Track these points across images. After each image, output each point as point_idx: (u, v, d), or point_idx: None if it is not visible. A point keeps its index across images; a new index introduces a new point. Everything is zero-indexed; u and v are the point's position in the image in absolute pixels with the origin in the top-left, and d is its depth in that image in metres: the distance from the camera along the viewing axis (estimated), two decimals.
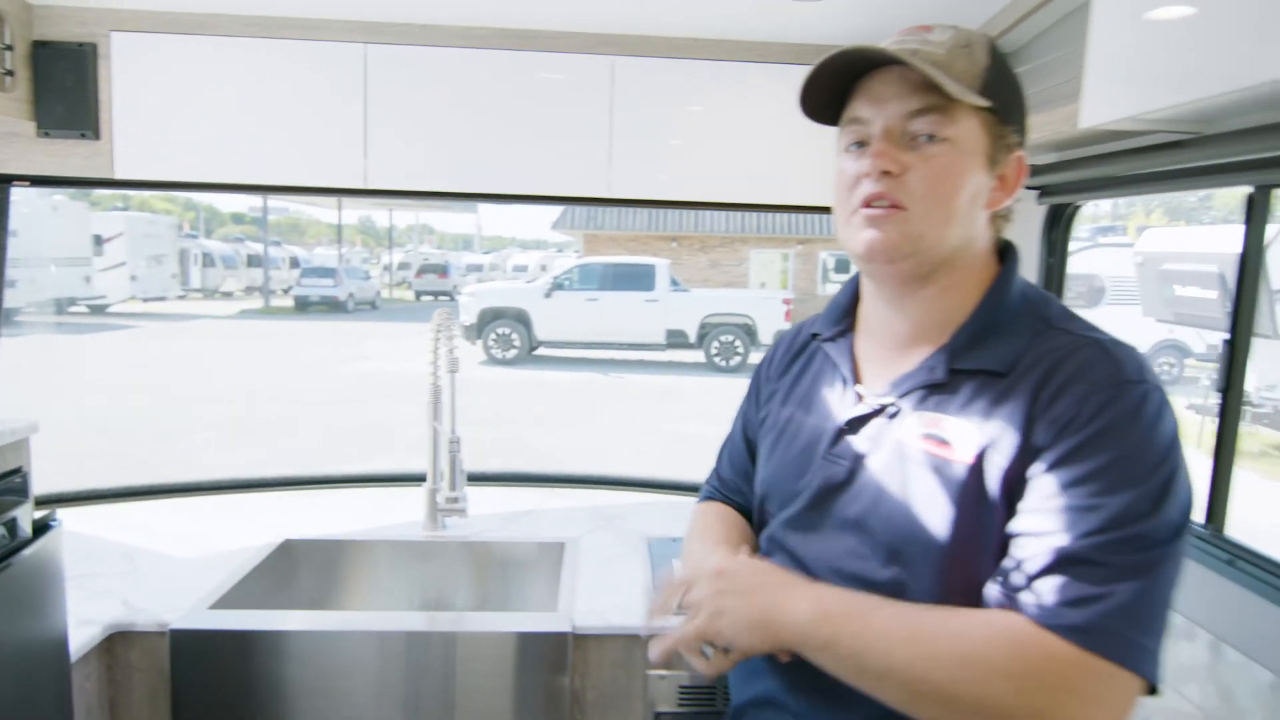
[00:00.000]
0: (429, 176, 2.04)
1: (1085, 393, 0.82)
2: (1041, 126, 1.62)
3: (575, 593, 1.74)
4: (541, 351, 14.36)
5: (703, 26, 1.95)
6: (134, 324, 17.98)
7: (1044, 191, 1.83)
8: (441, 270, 27.79)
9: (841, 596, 0.88)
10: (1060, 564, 0.78)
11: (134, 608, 1.59)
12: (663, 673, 1.63)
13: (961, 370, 0.90)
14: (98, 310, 20.01)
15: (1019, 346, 0.89)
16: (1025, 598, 0.80)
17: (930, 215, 0.89)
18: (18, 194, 2.01)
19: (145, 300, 22.06)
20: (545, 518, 2.22)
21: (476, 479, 2.46)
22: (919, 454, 0.89)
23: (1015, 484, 0.84)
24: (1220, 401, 1.40)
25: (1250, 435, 9.13)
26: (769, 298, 15.39)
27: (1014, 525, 0.83)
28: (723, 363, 13.96)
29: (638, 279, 14.42)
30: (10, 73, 1.85)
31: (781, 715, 0.98)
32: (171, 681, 1.54)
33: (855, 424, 0.97)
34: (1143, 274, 10.49)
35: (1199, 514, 1.43)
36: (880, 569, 0.90)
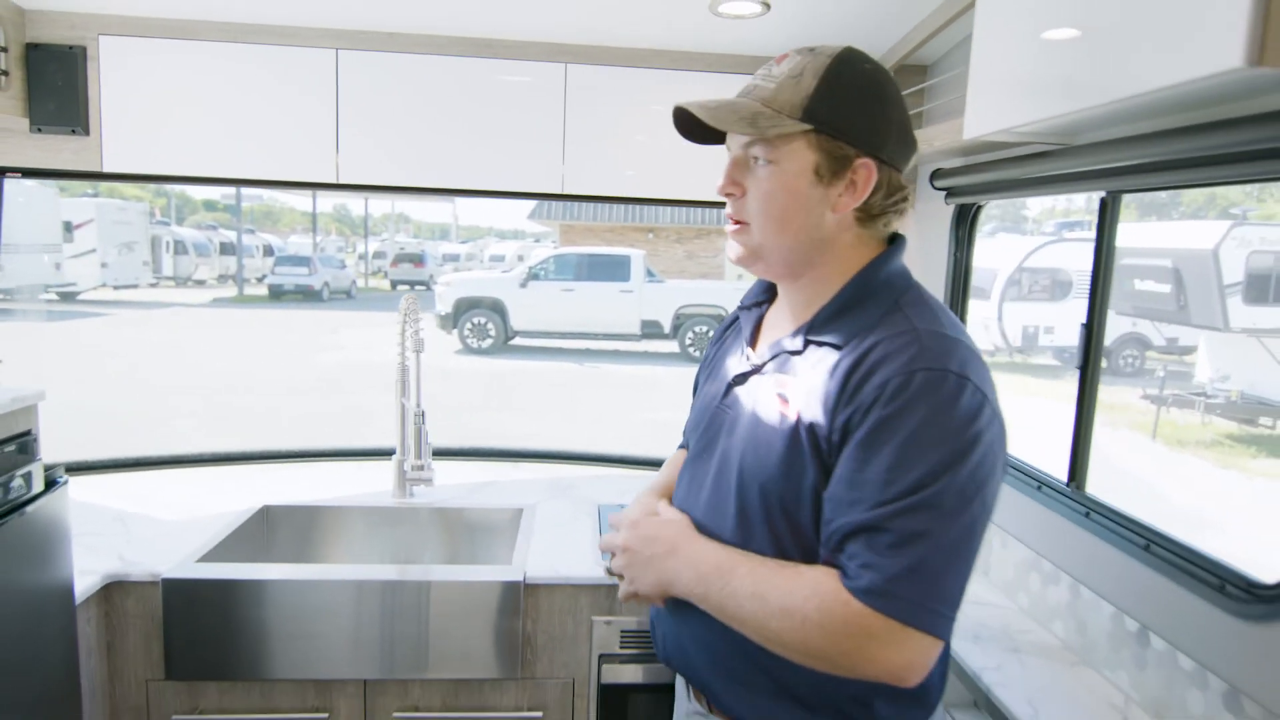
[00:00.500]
0: (396, 172, 2.21)
1: (886, 378, 0.96)
2: (942, 135, 1.83)
3: (529, 549, 1.93)
4: (517, 341, 14.48)
5: (648, 38, 2.13)
6: (106, 312, 17.85)
7: (950, 192, 2.03)
8: (417, 259, 27.70)
9: (715, 557, 1.07)
10: (856, 531, 0.94)
11: (129, 561, 1.77)
12: (608, 618, 1.83)
13: (815, 340, 1.08)
14: (68, 298, 19.83)
15: (864, 324, 1.04)
16: (838, 560, 0.97)
17: (765, 228, 1.07)
18: None
19: (116, 288, 21.84)
20: (506, 488, 2.41)
21: (444, 454, 2.64)
22: (771, 407, 1.08)
23: (823, 442, 1.00)
24: (1080, 378, 1.62)
25: (1205, 425, 9.47)
26: (743, 289, 15.49)
27: (827, 494, 1.00)
28: (697, 353, 14.15)
29: (613, 270, 14.56)
30: (5, 73, 2.00)
31: (674, 625, 1.19)
32: (164, 626, 1.72)
33: (740, 379, 1.16)
34: None
35: (1063, 474, 1.65)
36: (731, 500, 1.10)
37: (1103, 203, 1.56)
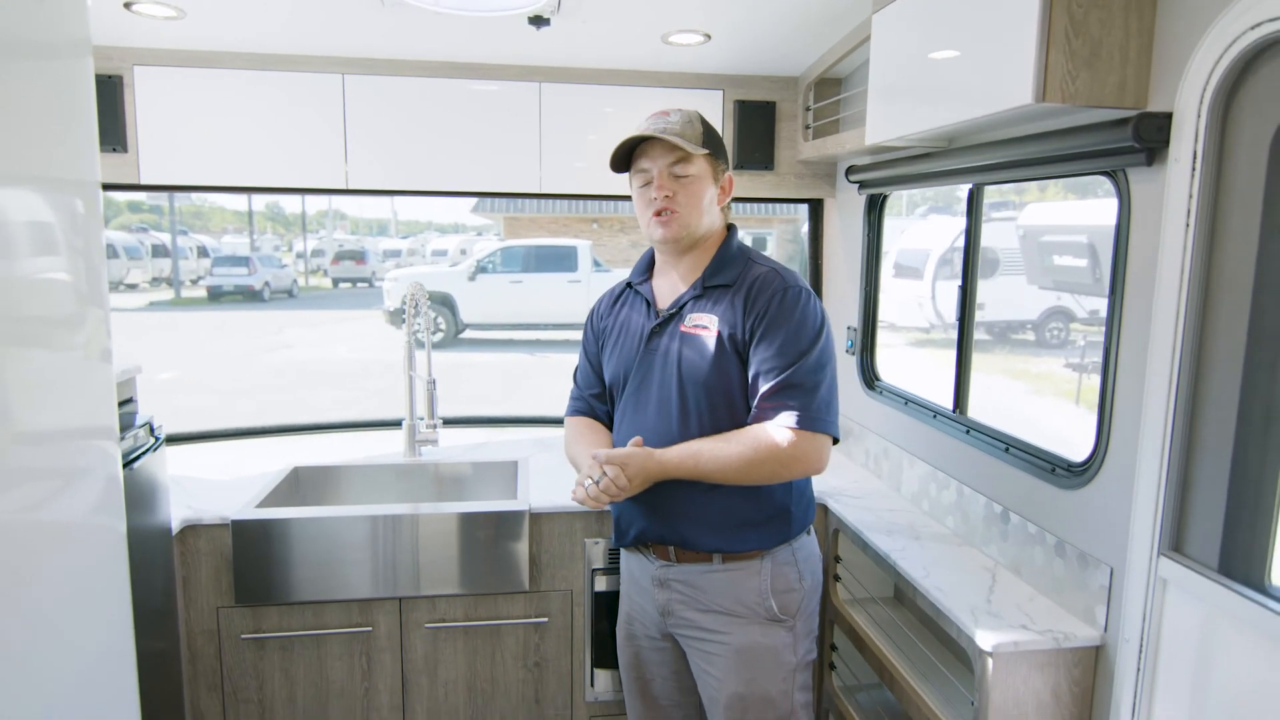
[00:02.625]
0: (397, 177, 2.58)
1: (770, 296, 1.58)
2: (854, 139, 2.28)
3: (530, 489, 2.34)
4: (467, 334, 14.70)
5: (610, 61, 2.54)
6: None
7: (862, 185, 2.49)
8: (359, 256, 27.45)
9: (681, 461, 1.56)
10: (782, 387, 1.53)
11: (198, 510, 2.12)
12: (597, 539, 2.25)
13: (710, 286, 1.65)
14: None
15: (737, 271, 1.66)
16: (768, 410, 1.53)
17: (690, 215, 1.63)
18: None
19: None
20: (500, 446, 2.80)
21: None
22: (693, 334, 1.63)
23: (741, 344, 1.58)
24: (959, 328, 2.09)
25: None
26: None
27: (752, 371, 1.56)
28: None
29: (561, 260, 14.86)
30: None
31: (649, 510, 1.67)
32: (233, 559, 2.08)
33: (658, 328, 1.68)
34: (1025, 245, 11.50)
35: (949, 402, 2.12)
36: (675, 402, 1.63)
37: (970, 193, 2.03)
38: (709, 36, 2.32)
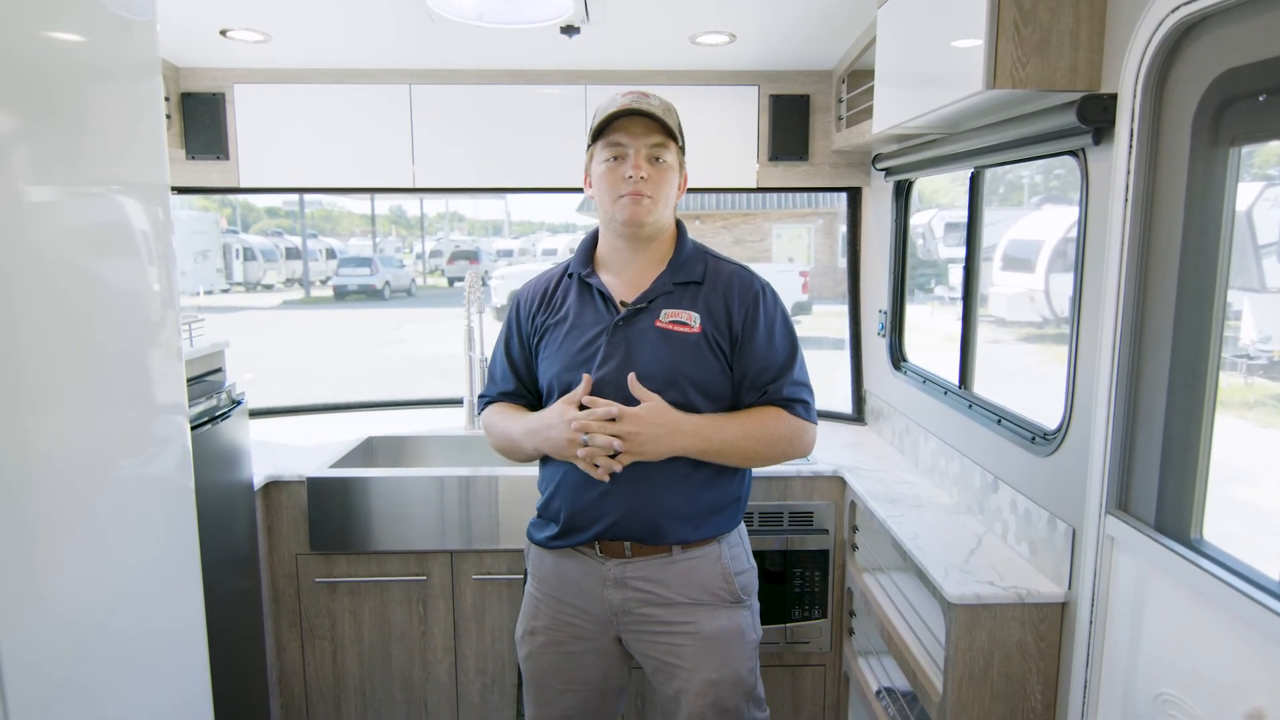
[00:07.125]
0: (459, 175, 2.85)
1: (753, 297, 1.62)
2: (872, 129, 2.38)
3: None
4: None
5: (647, 62, 2.73)
6: (188, 317, 19.04)
7: (888, 172, 2.58)
8: (473, 256, 28.61)
9: (702, 422, 1.55)
10: (793, 385, 1.62)
11: (280, 469, 2.44)
12: None
13: (679, 282, 1.62)
14: None
15: (700, 269, 1.65)
16: (777, 400, 1.61)
17: (660, 201, 1.59)
18: None
19: (194, 295, 23.16)
20: None
21: None
22: (673, 330, 1.58)
23: (725, 342, 1.60)
24: (964, 306, 2.16)
25: (1247, 387, 9.59)
26: (785, 270, 16.02)
27: (748, 367, 1.61)
28: None
29: None
30: (169, 116, 2.69)
31: (624, 501, 1.58)
32: (309, 513, 2.39)
33: (623, 321, 1.60)
34: None
35: (955, 379, 2.20)
36: (654, 392, 1.54)
37: (971, 177, 2.10)
38: (734, 36, 2.47)
